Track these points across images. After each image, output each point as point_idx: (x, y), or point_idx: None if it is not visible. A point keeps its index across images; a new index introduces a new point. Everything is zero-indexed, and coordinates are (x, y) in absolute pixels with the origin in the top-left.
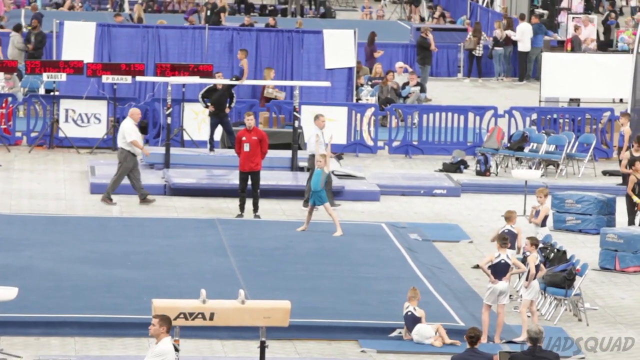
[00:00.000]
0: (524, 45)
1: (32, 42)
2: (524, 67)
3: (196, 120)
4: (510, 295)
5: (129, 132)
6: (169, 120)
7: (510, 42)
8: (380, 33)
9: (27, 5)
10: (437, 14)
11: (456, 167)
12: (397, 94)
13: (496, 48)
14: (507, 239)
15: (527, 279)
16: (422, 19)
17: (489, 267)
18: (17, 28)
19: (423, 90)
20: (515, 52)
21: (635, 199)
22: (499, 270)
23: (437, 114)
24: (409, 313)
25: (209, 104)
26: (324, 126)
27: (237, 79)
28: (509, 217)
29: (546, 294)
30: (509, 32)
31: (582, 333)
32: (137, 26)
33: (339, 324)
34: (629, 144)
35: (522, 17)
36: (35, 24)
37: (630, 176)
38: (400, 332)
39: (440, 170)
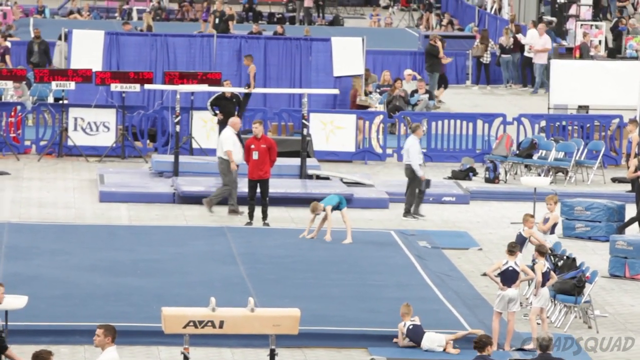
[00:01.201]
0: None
1: (35, 51)
2: (531, 73)
3: (205, 128)
4: (520, 303)
5: (226, 142)
6: (177, 128)
7: (517, 49)
8: (388, 41)
9: (36, 14)
10: (445, 22)
11: (465, 174)
12: (405, 102)
13: (503, 55)
14: (515, 247)
15: (535, 287)
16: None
17: (498, 274)
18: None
19: (431, 97)
20: (521, 58)
21: None
22: (508, 277)
23: (446, 121)
24: (411, 327)
25: (217, 112)
26: (421, 135)
27: (249, 86)
28: (524, 220)
29: (556, 301)
30: (519, 36)
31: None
32: (145, 34)
33: (349, 331)
34: (637, 151)
35: (534, 24)
36: (37, 34)
37: None
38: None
39: (449, 178)
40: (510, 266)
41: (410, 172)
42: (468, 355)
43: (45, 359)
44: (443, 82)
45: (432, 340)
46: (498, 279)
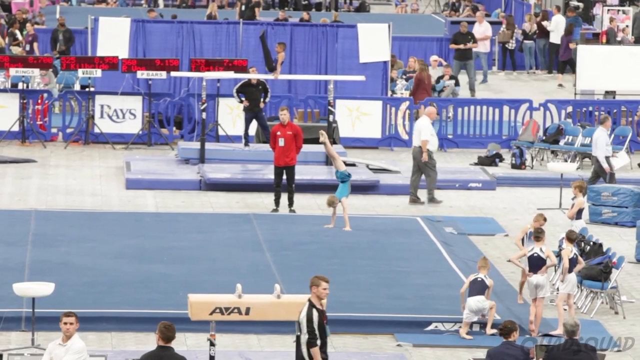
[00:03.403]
0: (557, 37)
1: (59, 40)
2: (554, 60)
3: (231, 115)
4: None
5: (424, 131)
6: (203, 115)
7: (542, 35)
8: (415, 27)
9: (63, 1)
10: (469, 8)
11: (491, 160)
12: (431, 88)
13: (526, 41)
14: (541, 232)
15: (562, 273)
16: (455, 10)
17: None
18: None
19: (457, 84)
20: (547, 44)
21: None
22: (533, 263)
23: (472, 107)
24: (479, 279)
25: (243, 98)
26: (609, 127)
27: (271, 68)
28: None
29: (582, 287)
30: (544, 23)
31: (618, 326)
32: (171, 22)
33: (375, 318)
34: None
35: (557, 9)
36: (62, 21)
37: None
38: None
39: (476, 164)
40: (536, 252)
41: (598, 164)
42: (493, 342)
43: (174, 330)
44: (572, 66)
45: (480, 307)
46: (523, 265)
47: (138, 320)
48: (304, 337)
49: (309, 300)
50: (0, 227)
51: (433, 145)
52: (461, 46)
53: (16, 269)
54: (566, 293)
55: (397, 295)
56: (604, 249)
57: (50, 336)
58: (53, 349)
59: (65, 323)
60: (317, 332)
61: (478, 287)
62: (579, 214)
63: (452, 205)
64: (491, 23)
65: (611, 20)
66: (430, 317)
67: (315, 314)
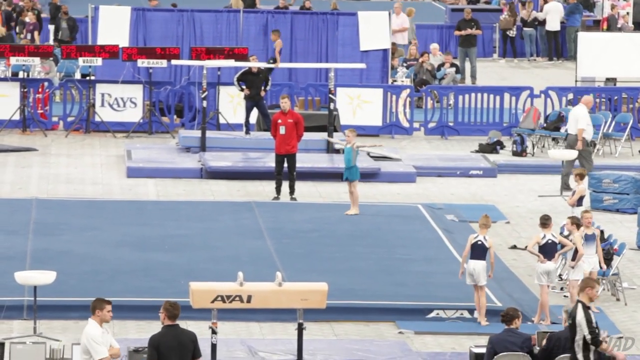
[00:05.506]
0: (553, 25)
1: (62, 28)
2: (552, 47)
3: (232, 103)
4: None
5: (582, 119)
6: (204, 103)
7: (543, 22)
8: (415, 14)
9: None
10: None
11: (492, 147)
12: (432, 76)
13: (525, 28)
14: (548, 218)
15: (572, 259)
16: None
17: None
18: None
19: (458, 71)
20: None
21: None
22: (548, 250)
23: (473, 94)
24: (479, 242)
25: (244, 87)
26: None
27: (274, 61)
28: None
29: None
30: (537, 14)
31: (620, 313)
32: (172, 10)
33: (376, 305)
34: None
35: None
36: (65, 10)
37: None
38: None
39: (477, 151)
40: (550, 239)
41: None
42: (495, 329)
43: (179, 307)
44: None
45: (479, 272)
46: (538, 252)
47: (140, 308)
48: (580, 339)
49: (580, 302)
50: (2, 216)
51: (588, 134)
52: (464, 32)
53: (18, 258)
54: (577, 279)
55: (398, 283)
56: (605, 236)
57: (52, 324)
58: (104, 338)
59: (109, 311)
60: (597, 330)
61: (480, 250)
62: (580, 201)
63: (453, 193)
64: (491, 10)
65: (612, 7)
66: (431, 304)
67: (591, 314)
